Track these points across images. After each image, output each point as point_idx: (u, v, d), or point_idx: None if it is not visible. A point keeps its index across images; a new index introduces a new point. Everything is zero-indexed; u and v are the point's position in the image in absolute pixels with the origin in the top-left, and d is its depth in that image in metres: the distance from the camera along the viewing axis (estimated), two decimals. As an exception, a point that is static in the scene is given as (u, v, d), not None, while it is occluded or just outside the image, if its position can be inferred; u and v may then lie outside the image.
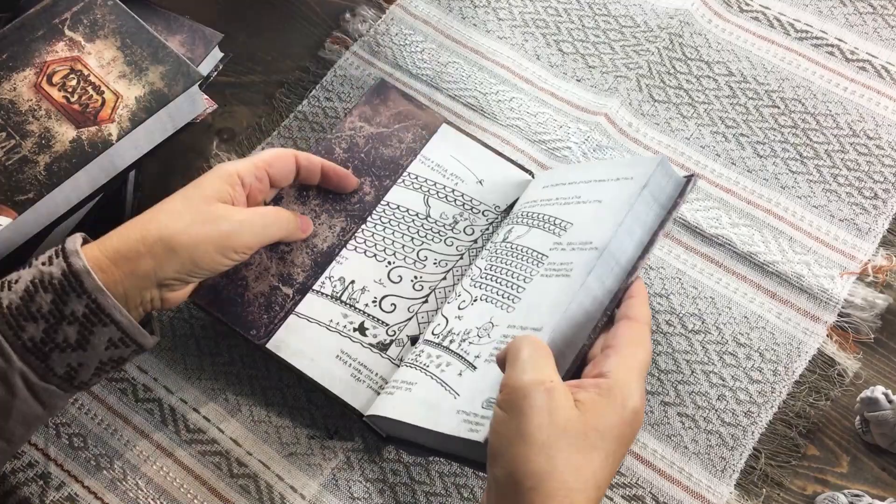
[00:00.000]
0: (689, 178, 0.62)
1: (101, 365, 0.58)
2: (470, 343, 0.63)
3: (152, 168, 0.80)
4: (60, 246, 0.57)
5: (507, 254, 0.67)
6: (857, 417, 0.68)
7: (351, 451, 0.68)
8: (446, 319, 0.66)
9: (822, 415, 0.68)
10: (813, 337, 0.71)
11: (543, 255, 0.64)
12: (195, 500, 0.66)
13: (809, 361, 0.70)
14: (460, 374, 0.61)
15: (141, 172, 0.79)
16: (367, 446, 0.68)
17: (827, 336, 0.71)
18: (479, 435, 0.55)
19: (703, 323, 0.72)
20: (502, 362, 0.53)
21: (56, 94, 0.68)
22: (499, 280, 0.66)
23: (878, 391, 0.65)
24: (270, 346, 0.67)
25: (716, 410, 0.68)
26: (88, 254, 0.57)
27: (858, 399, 0.66)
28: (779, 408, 0.68)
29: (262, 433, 0.69)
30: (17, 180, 0.64)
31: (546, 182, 0.71)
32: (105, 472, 0.68)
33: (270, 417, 0.69)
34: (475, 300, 0.66)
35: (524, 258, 0.65)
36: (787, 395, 0.69)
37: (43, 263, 0.56)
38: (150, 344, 0.59)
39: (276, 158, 0.67)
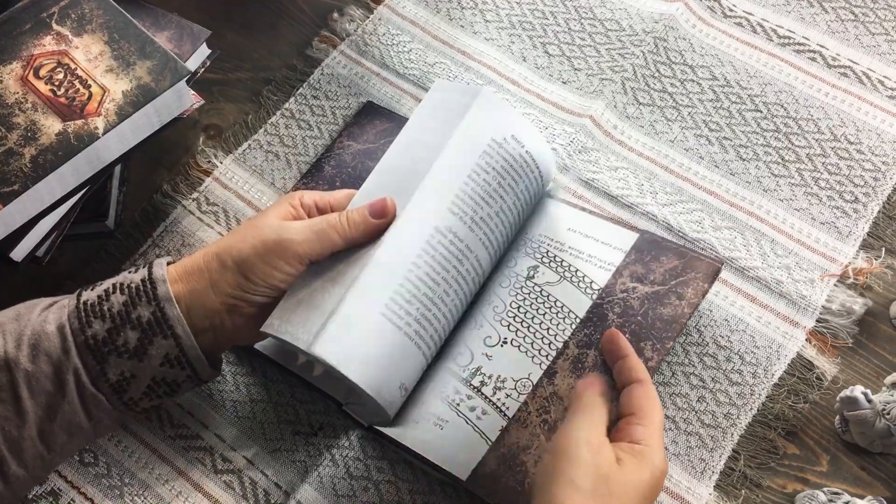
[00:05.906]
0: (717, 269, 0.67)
1: (152, 384, 0.58)
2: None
3: (138, 162, 0.80)
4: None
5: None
6: (837, 417, 0.68)
7: (336, 447, 0.68)
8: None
9: (802, 415, 0.69)
10: (792, 341, 0.71)
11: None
12: (179, 496, 0.66)
13: (788, 364, 0.70)
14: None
15: (127, 167, 0.79)
16: (352, 443, 0.68)
17: (806, 340, 0.71)
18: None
19: (684, 324, 0.72)
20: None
21: (43, 88, 0.68)
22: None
23: (858, 391, 0.66)
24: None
25: (696, 412, 0.69)
26: (169, 268, 0.60)
27: (838, 399, 0.67)
28: (758, 410, 0.69)
29: (246, 429, 0.69)
30: (2, 172, 0.64)
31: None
32: (89, 467, 0.67)
33: (255, 413, 0.69)
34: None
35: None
36: (767, 397, 0.69)
37: (129, 271, 0.60)
38: (207, 373, 0.60)
39: (342, 199, 0.65)
